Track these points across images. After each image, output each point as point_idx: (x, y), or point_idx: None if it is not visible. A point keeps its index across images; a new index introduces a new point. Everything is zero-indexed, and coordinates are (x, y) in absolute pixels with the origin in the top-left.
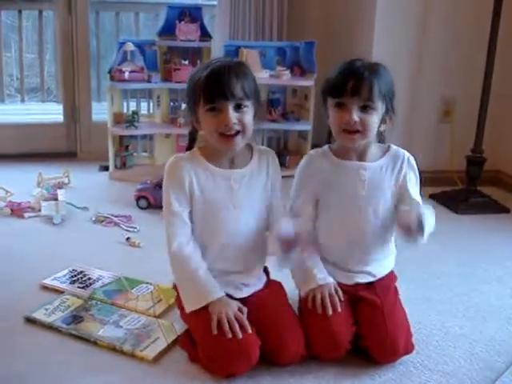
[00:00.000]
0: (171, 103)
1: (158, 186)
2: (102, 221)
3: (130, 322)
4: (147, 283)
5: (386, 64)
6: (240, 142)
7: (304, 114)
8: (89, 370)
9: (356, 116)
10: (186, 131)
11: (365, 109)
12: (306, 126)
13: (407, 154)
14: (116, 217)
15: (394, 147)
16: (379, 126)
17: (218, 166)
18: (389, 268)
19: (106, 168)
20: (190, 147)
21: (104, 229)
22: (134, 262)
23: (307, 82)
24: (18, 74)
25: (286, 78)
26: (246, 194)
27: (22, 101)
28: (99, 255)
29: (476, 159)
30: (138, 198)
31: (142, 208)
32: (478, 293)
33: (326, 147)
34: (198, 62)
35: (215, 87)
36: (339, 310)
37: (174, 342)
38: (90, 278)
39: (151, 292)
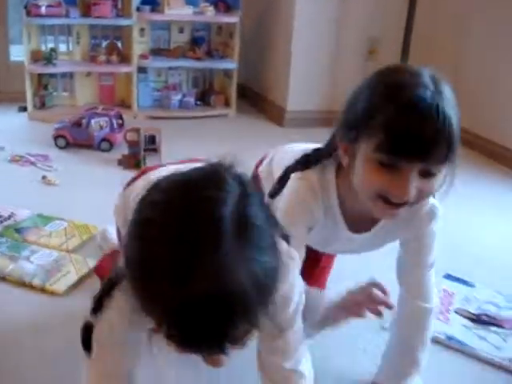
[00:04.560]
0: (92, 40)
1: (77, 124)
2: (18, 160)
3: (41, 257)
4: (61, 219)
5: (310, 3)
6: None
7: (229, 52)
8: None
9: (414, 188)
10: (107, 69)
11: (426, 174)
12: (231, 65)
13: (428, 214)
14: (33, 156)
15: None
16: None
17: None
18: None
19: (25, 109)
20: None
21: (20, 168)
22: (49, 200)
23: (232, 19)
24: None
25: (210, 14)
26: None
27: None
28: (13, 194)
29: None
30: (57, 137)
31: (60, 147)
32: None
33: (331, 179)
34: None
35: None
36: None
37: (87, 276)
38: (1, 216)
39: (65, 228)
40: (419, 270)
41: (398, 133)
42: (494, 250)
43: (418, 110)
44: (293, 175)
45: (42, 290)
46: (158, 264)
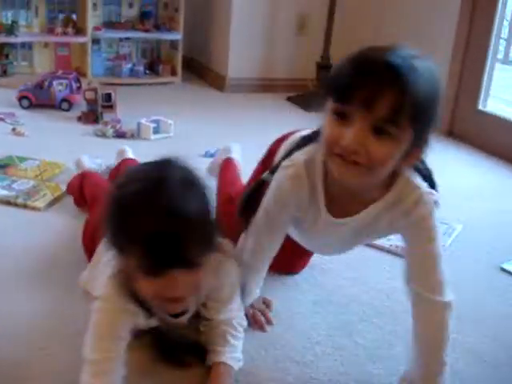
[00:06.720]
0: (49, 14)
1: (39, 86)
2: None
3: (20, 184)
4: (34, 159)
5: None
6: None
7: (175, 26)
8: None
9: (355, 136)
10: (64, 40)
11: (379, 132)
12: (177, 36)
13: (414, 198)
14: (1, 114)
15: (403, 179)
16: (400, 163)
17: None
18: None
19: None
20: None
21: None
22: (21, 146)
23: None
24: None
25: None
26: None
27: None
28: None
29: (324, 64)
30: (21, 98)
31: (24, 107)
32: None
33: (317, 158)
34: None
35: None
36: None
37: (60, 197)
38: None
39: (38, 165)
40: (429, 260)
41: (347, 80)
42: None
43: (368, 61)
44: (282, 163)
45: (25, 207)
46: (130, 209)
